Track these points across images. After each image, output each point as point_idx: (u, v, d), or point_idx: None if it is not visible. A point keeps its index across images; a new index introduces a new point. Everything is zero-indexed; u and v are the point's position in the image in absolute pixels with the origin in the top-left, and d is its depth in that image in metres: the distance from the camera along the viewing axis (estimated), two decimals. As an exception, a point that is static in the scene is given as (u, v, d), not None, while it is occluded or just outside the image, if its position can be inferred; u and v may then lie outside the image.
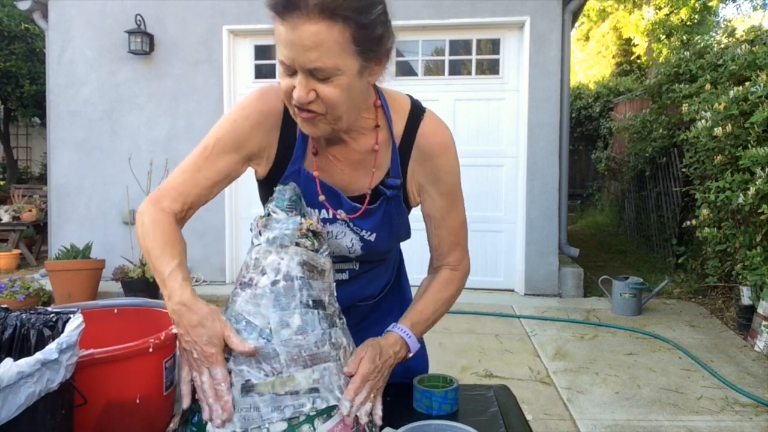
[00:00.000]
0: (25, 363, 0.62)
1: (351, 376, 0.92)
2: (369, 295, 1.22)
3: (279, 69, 0.92)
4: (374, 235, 1.08)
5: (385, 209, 1.07)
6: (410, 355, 1.06)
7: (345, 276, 1.15)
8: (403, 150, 1.06)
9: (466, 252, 1.17)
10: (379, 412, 0.95)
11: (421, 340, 1.11)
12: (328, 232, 1.06)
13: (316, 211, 1.05)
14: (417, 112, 1.07)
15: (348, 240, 1.08)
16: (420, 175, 1.08)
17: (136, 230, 0.99)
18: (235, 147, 1.04)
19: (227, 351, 0.85)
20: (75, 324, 0.73)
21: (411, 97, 1.10)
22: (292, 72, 0.89)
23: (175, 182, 1.03)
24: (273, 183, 1.04)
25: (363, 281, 1.18)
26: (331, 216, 1.06)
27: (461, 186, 1.12)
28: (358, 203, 1.06)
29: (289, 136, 1.05)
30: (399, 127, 1.05)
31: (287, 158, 1.05)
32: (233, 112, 1.05)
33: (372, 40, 0.89)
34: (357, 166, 1.06)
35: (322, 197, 1.05)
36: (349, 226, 1.07)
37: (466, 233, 1.16)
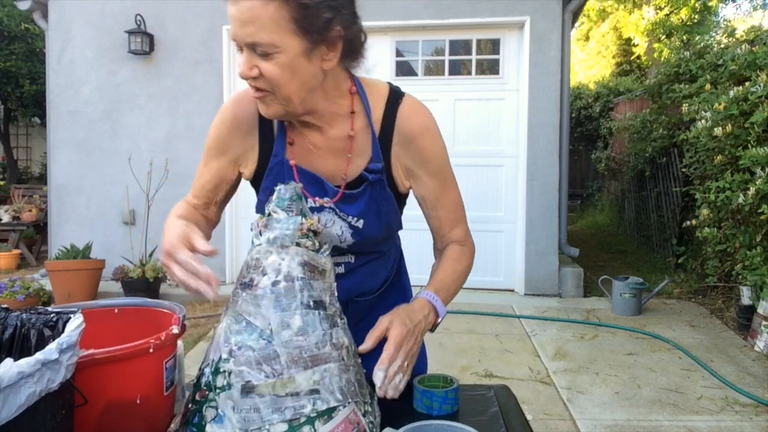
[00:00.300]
0: (26, 363, 0.62)
1: (365, 353, 0.93)
2: (367, 290, 1.22)
3: None
4: (362, 221, 1.09)
5: (371, 194, 1.07)
6: (440, 320, 1.07)
7: (341, 269, 1.15)
8: (384, 135, 1.06)
9: (468, 228, 1.19)
10: (401, 386, 0.94)
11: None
12: None
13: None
14: (395, 96, 1.08)
15: (338, 228, 1.09)
16: (405, 159, 1.09)
17: None
18: (221, 152, 1.12)
19: (227, 351, 0.85)
20: (75, 324, 0.72)
21: (390, 84, 1.11)
22: (239, 48, 0.92)
23: (192, 187, 1.17)
24: (261, 182, 1.09)
25: (360, 275, 1.18)
26: (318, 205, 1.07)
27: (450, 164, 1.13)
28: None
29: (268, 134, 1.08)
30: (378, 112, 1.06)
31: (269, 154, 1.08)
32: (215, 120, 1.12)
33: (317, 23, 0.90)
34: (338, 154, 1.07)
35: (300, 185, 1.06)
36: (336, 213, 1.08)
37: (464, 210, 1.17)
